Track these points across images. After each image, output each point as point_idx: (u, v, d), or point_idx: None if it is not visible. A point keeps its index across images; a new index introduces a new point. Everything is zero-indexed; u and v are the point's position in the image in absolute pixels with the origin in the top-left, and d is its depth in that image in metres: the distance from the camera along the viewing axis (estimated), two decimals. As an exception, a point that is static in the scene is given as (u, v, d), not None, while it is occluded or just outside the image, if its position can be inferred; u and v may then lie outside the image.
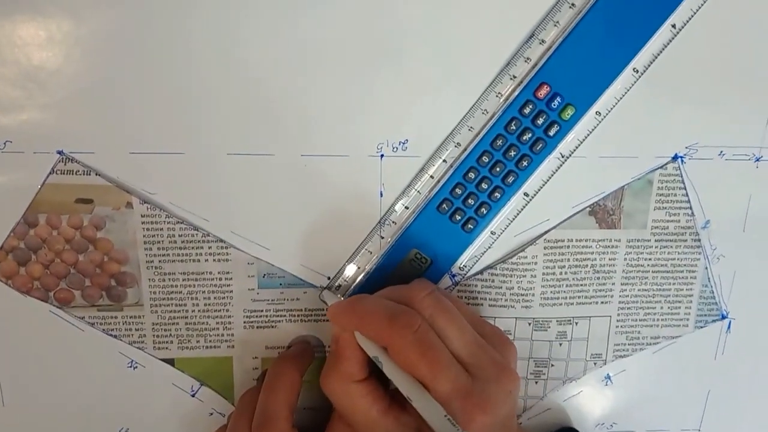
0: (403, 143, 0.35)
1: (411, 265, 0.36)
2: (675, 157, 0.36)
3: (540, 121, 0.35)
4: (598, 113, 0.35)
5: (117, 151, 0.34)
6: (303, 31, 0.33)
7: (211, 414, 0.38)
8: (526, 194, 0.36)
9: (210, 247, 0.36)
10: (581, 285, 0.38)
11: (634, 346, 0.39)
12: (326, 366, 0.33)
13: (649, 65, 0.34)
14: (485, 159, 0.35)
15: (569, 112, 0.34)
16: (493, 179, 0.35)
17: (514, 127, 0.35)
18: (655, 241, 0.38)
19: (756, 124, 0.36)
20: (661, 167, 0.36)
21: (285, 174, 0.35)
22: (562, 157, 0.36)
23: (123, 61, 0.33)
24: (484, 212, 0.36)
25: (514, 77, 0.34)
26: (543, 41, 0.34)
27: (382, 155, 0.35)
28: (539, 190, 0.36)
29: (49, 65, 0.32)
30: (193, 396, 0.38)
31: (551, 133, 0.35)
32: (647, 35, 0.34)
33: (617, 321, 0.39)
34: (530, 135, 0.35)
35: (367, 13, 0.33)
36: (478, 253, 0.37)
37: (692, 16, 0.34)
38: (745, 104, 0.36)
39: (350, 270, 0.37)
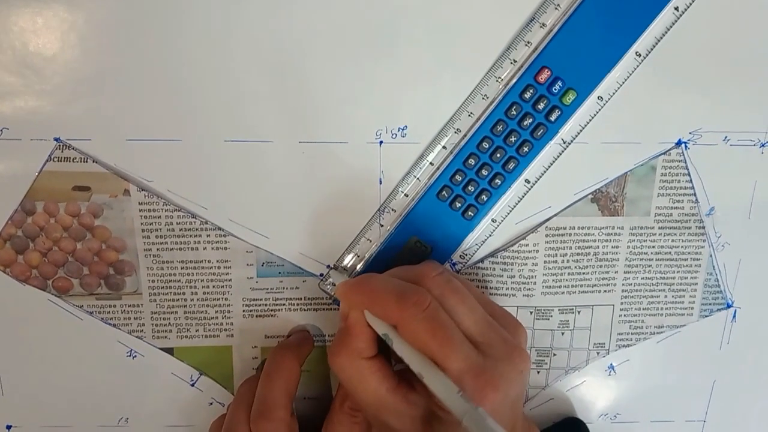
0: (402, 129, 0.35)
1: (411, 253, 0.36)
2: (678, 143, 0.36)
3: (541, 106, 0.34)
4: (600, 98, 0.34)
5: (114, 138, 0.34)
6: (300, 16, 0.33)
7: (211, 403, 0.38)
8: (527, 181, 0.36)
9: (208, 235, 0.35)
10: (583, 273, 0.37)
11: (637, 336, 0.39)
12: (335, 342, 0.33)
13: (652, 49, 0.34)
14: (485, 145, 0.35)
15: (570, 97, 0.34)
16: (493, 166, 0.35)
17: (514, 113, 0.34)
18: (659, 228, 0.37)
19: (761, 109, 0.36)
20: (665, 153, 0.36)
21: (283, 161, 0.35)
22: (564, 143, 0.35)
23: (120, 48, 0.32)
24: (485, 199, 0.36)
25: (515, 61, 0.34)
26: (543, 24, 0.33)
27: (380, 142, 0.35)
28: (540, 176, 0.36)
29: (45, 52, 0.32)
30: (192, 385, 0.38)
31: (552, 118, 0.34)
32: (650, 18, 0.33)
33: (620, 310, 0.39)
34: (531, 120, 0.34)
35: (365, -2, 0.33)
36: (479, 240, 0.37)
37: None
38: (750, 89, 0.35)
39: (349, 258, 0.36)
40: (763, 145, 0.36)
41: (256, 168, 0.35)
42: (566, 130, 0.35)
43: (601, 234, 0.37)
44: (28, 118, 0.33)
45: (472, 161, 0.35)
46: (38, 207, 0.34)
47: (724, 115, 0.35)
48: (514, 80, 0.34)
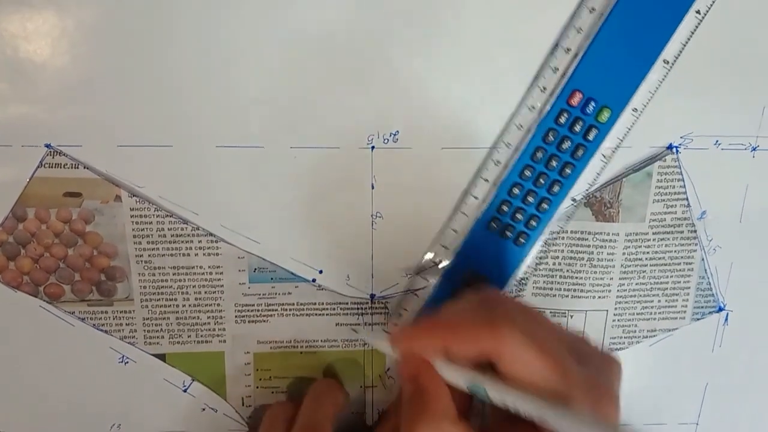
0: (394, 135, 0.35)
1: (468, 287, 0.36)
2: (669, 147, 0.36)
3: (577, 128, 0.34)
4: (635, 110, 0.34)
5: (105, 145, 0.34)
6: (292, 22, 0.33)
7: (203, 409, 0.38)
8: (573, 200, 0.36)
9: (200, 241, 0.35)
10: (576, 278, 0.38)
11: (630, 339, 0.39)
12: (408, 418, 0.27)
13: (679, 54, 0.34)
14: (527, 173, 0.35)
15: (606, 115, 0.34)
16: (538, 191, 0.35)
17: (552, 138, 0.34)
18: (653, 234, 0.37)
19: (752, 113, 0.36)
20: (660, 159, 0.36)
21: (275, 166, 0.35)
22: (605, 157, 0.35)
23: (110, 54, 0.32)
24: (534, 225, 0.36)
25: (544, 89, 0.34)
26: (568, 49, 0.33)
27: (372, 147, 0.35)
28: (586, 193, 0.36)
29: (35, 58, 0.32)
30: (184, 391, 0.38)
31: (590, 137, 0.34)
32: (673, 25, 0.33)
33: (614, 315, 0.39)
34: (569, 143, 0.35)
35: (357, 3, 0.33)
36: (533, 263, 0.37)
37: (715, 0, 0.33)
38: (741, 93, 0.35)
39: (410, 300, 0.37)
40: (754, 149, 0.36)
41: (248, 173, 0.35)
42: (606, 146, 0.35)
43: (595, 239, 0.37)
44: (18, 125, 0.33)
45: (516, 191, 0.35)
46: (29, 213, 0.34)
47: (715, 120, 0.36)
48: (548, 107, 0.34)
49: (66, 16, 0.32)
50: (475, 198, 0.35)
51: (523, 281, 0.37)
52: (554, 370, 0.25)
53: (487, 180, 0.35)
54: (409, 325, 0.28)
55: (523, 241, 0.36)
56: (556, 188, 0.35)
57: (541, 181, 0.35)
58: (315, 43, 0.33)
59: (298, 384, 0.38)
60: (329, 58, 0.33)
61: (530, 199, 0.35)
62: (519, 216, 0.36)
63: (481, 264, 0.36)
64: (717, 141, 0.36)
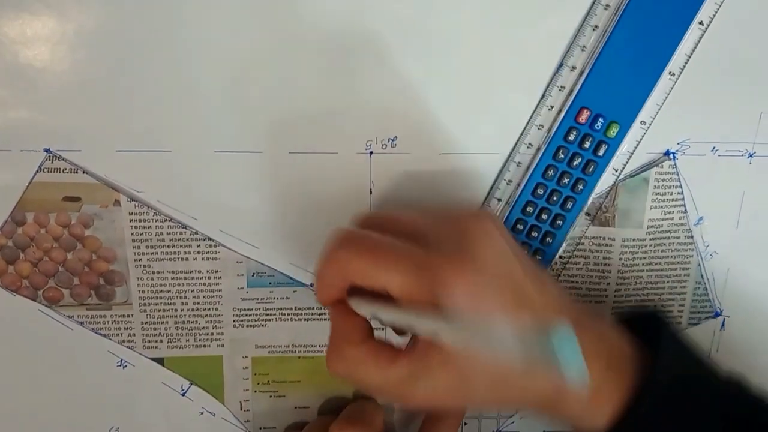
0: (392, 140, 0.35)
1: None
2: (666, 153, 0.36)
3: (587, 144, 0.35)
4: (643, 122, 0.35)
5: (104, 149, 0.34)
6: (290, 27, 0.33)
7: (201, 413, 0.38)
8: (588, 214, 0.36)
9: (198, 246, 0.35)
10: (572, 281, 0.38)
11: (627, 345, 0.39)
12: (328, 350, 0.30)
13: (684, 66, 0.34)
14: (540, 191, 0.35)
15: (614, 130, 0.34)
16: (552, 209, 0.36)
17: (562, 156, 0.35)
18: (650, 239, 0.37)
19: (749, 119, 0.36)
20: (657, 165, 0.36)
21: (273, 172, 0.35)
22: (616, 171, 0.36)
23: (109, 59, 0.33)
24: (550, 241, 0.36)
25: (551, 107, 0.34)
26: (573, 67, 0.34)
27: (371, 152, 0.35)
28: (599, 208, 0.36)
29: (35, 63, 0.32)
30: (183, 395, 0.38)
31: (600, 153, 0.35)
32: (677, 38, 0.34)
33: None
34: (580, 160, 0.35)
35: (355, 9, 0.33)
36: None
37: (717, 10, 0.33)
38: (738, 99, 0.35)
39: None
40: (750, 156, 0.36)
41: (246, 178, 0.35)
42: (616, 159, 0.35)
43: (591, 244, 0.37)
44: (17, 129, 0.33)
45: (530, 209, 0.35)
46: (28, 218, 0.34)
47: (712, 126, 0.36)
48: (556, 126, 0.34)
49: (65, 22, 0.32)
50: None
51: None
52: (383, 273, 0.26)
53: (500, 200, 0.36)
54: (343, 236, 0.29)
55: (539, 257, 0.36)
56: (569, 204, 0.36)
57: (554, 198, 0.35)
58: (314, 49, 0.33)
59: (333, 403, 0.38)
60: (328, 63, 0.33)
61: (544, 216, 0.36)
62: (534, 233, 0.36)
63: None
64: (714, 147, 0.36)
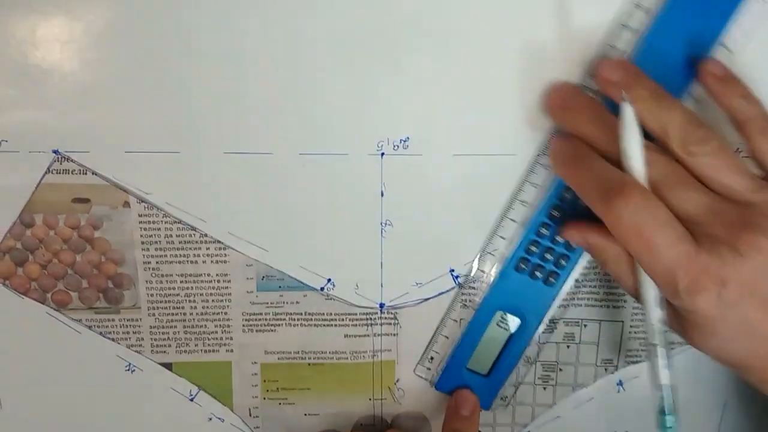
0: (404, 141, 0.34)
1: (499, 327, 0.36)
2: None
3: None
4: None
5: (113, 150, 0.33)
6: (301, 27, 0.32)
7: (210, 419, 0.38)
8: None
9: (208, 248, 0.35)
10: (590, 286, 0.37)
11: (647, 353, 0.38)
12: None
13: None
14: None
15: None
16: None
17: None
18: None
19: None
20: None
21: (283, 173, 0.34)
22: None
23: (118, 60, 0.32)
24: (564, 263, 0.35)
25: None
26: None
27: (382, 153, 0.34)
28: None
29: (44, 64, 0.32)
30: (191, 401, 0.37)
31: None
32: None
33: (630, 326, 0.38)
34: None
35: (366, 7, 0.32)
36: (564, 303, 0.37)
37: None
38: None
39: (441, 342, 0.37)
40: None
41: (256, 180, 0.34)
42: None
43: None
44: (26, 131, 0.33)
45: (544, 230, 0.35)
46: (37, 219, 0.34)
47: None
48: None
49: (74, 23, 0.32)
50: (503, 238, 0.35)
51: (553, 321, 0.37)
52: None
53: (514, 220, 0.35)
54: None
55: (553, 280, 0.35)
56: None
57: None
58: (324, 49, 0.33)
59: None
60: (338, 63, 0.33)
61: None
62: (548, 255, 0.35)
63: (510, 304, 0.36)
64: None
